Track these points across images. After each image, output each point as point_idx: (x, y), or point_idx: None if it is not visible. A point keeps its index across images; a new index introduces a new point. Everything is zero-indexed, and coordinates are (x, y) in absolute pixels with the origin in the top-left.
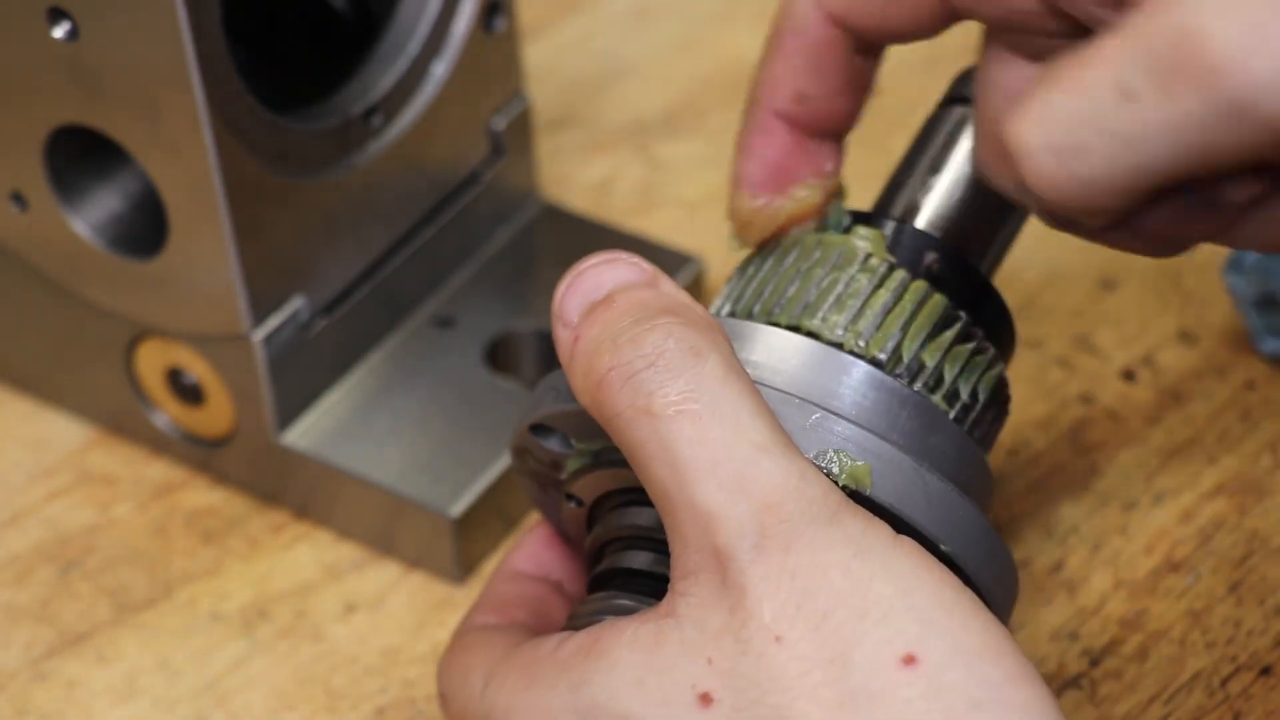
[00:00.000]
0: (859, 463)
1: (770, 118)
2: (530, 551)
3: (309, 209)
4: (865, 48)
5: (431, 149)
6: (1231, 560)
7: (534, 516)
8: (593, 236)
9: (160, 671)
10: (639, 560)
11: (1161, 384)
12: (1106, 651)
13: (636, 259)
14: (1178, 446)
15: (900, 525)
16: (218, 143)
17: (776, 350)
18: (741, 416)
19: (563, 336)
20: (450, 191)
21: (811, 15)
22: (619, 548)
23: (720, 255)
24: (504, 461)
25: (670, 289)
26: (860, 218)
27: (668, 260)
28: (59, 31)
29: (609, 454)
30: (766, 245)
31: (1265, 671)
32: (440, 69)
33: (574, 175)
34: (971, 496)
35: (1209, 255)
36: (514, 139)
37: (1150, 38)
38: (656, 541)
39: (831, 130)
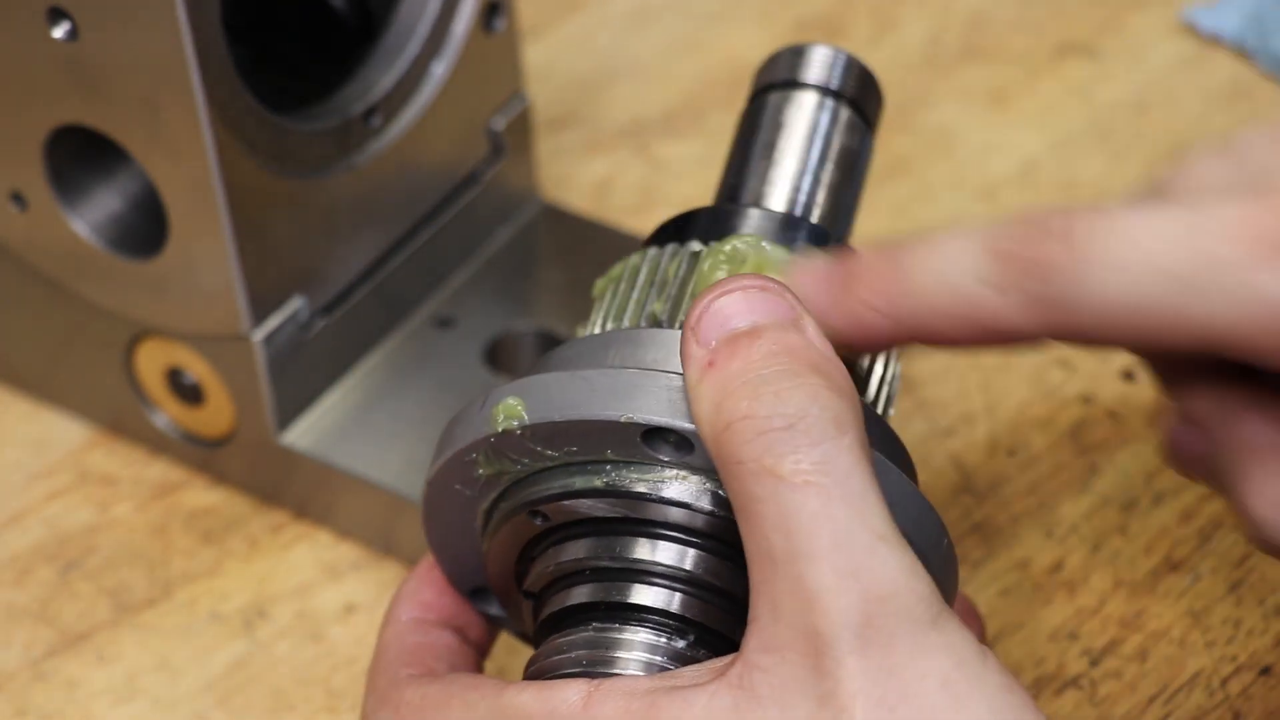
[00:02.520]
0: None
1: None
2: (429, 599)
3: (309, 209)
4: None
5: (431, 149)
6: (1231, 560)
7: (424, 559)
8: (593, 236)
9: (160, 671)
10: (583, 595)
11: None
12: (1106, 651)
13: (783, 289)
14: None
15: None
16: (218, 143)
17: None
18: (868, 500)
19: (695, 355)
20: (450, 191)
21: None
22: (567, 585)
23: None
24: None
25: (814, 335)
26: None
27: None
28: (59, 31)
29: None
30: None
31: (1265, 671)
32: (440, 69)
33: (574, 175)
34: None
35: None
36: (514, 139)
37: None
38: (592, 570)
39: None
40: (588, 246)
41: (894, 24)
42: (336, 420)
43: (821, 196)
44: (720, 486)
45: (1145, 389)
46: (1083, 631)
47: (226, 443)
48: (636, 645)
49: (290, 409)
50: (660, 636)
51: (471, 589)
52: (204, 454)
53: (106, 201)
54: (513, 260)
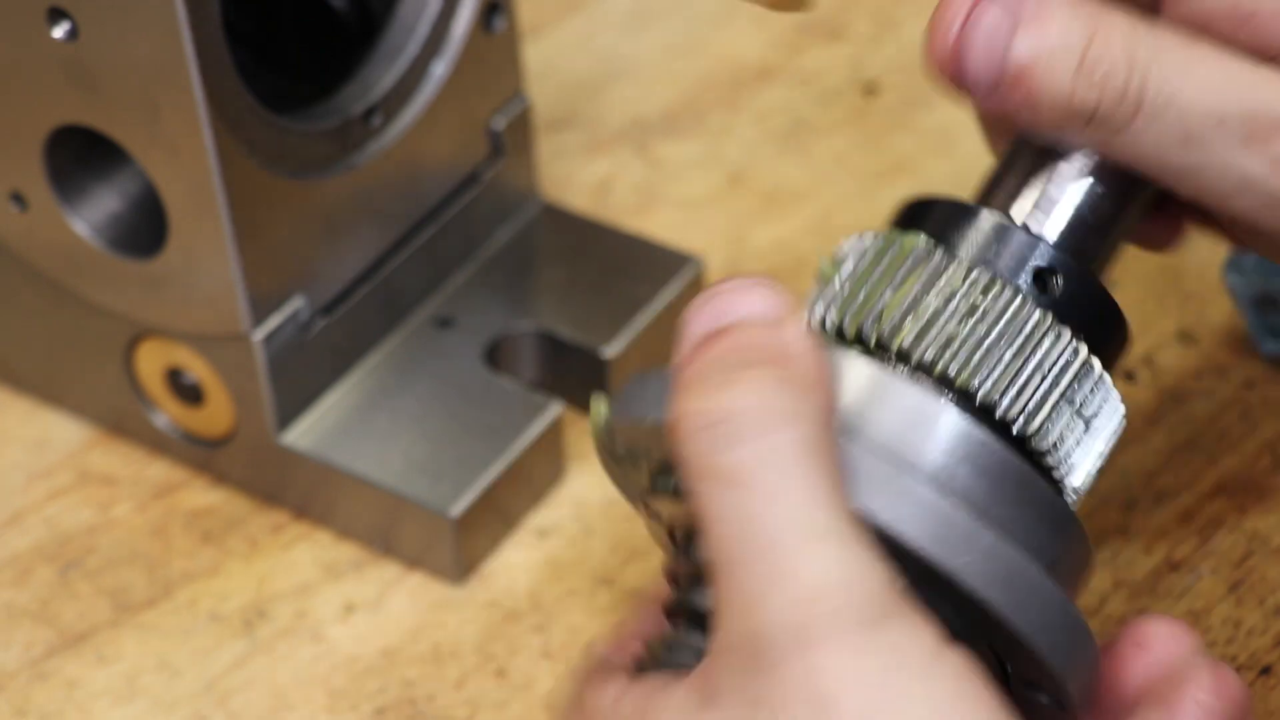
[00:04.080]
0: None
1: None
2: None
3: (309, 209)
4: None
5: (431, 149)
6: (1231, 560)
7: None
8: (593, 236)
9: (160, 671)
10: (703, 599)
11: (1161, 384)
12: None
13: (774, 288)
14: (1178, 446)
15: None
16: (218, 143)
17: (876, 393)
18: (807, 498)
19: (682, 355)
20: (450, 191)
21: None
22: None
23: (720, 255)
24: (504, 461)
25: (794, 333)
26: (962, 212)
27: (667, 260)
28: (59, 31)
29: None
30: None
31: (1265, 671)
32: (440, 69)
33: (574, 175)
34: (1058, 569)
35: (1209, 255)
36: (514, 139)
37: None
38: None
39: None
40: (588, 246)
41: (894, 24)
42: (336, 420)
43: (1079, 220)
44: None
45: (1145, 389)
46: None
47: (226, 443)
48: None
49: (290, 409)
50: None
51: None
52: (204, 454)
53: (106, 201)
54: (513, 260)
